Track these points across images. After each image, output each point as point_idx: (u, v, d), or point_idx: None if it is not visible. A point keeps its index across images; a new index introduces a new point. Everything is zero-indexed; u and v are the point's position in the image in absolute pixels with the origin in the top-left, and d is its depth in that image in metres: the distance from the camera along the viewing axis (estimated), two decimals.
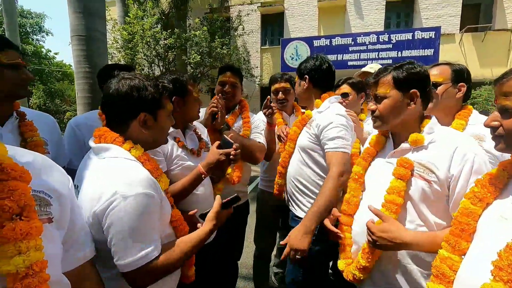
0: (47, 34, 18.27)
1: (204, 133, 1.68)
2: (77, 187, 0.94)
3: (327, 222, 1.28)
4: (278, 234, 2.44)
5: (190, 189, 1.34)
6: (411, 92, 1.08)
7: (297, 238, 1.28)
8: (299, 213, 1.62)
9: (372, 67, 2.39)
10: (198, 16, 10.41)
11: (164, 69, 9.53)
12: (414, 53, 8.93)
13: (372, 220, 1.06)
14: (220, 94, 1.84)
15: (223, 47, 9.67)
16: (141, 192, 0.85)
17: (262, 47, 11.96)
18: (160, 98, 1.00)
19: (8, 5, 9.72)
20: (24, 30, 16.37)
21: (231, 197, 1.13)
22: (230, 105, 2.04)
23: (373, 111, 1.16)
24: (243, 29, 10.78)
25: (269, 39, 12.36)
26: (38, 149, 1.21)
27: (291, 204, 1.70)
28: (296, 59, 9.94)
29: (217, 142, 1.37)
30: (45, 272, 0.55)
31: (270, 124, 1.92)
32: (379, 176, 1.17)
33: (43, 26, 17.85)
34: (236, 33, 10.88)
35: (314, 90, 1.66)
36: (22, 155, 0.61)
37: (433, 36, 8.85)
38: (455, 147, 0.99)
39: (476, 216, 0.84)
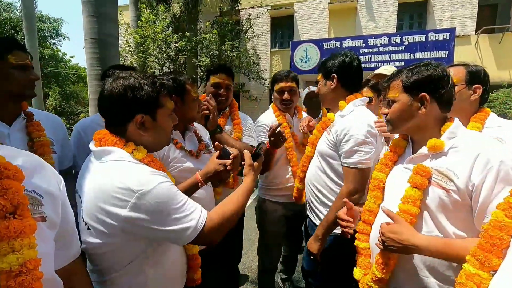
0: (63, 38, 18.88)
1: (205, 135, 1.65)
2: (77, 192, 0.93)
3: (340, 213, 1.26)
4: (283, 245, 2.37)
5: (187, 195, 1.32)
6: (420, 96, 1.03)
7: (310, 243, 1.50)
8: (316, 221, 1.59)
9: (387, 69, 2.30)
10: (209, 19, 10.54)
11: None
12: (428, 55, 8.71)
13: (389, 222, 1.01)
14: (210, 95, 1.76)
15: (233, 50, 9.74)
16: (160, 181, 0.85)
17: (271, 50, 11.97)
18: (158, 96, 0.94)
19: (28, 10, 10.12)
20: (42, 34, 16.98)
21: (256, 147, 1.22)
22: (223, 107, 1.99)
23: (385, 115, 1.13)
24: (253, 32, 10.83)
25: (279, 41, 12.36)
26: (44, 148, 1.24)
27: (310, 210, 1.67)
28: (305, 62, 9.89)
29: (217, 152, 1.31)
30: (38, 270, 0.55)
31: (275, 149, 1.76)
32: (396, 184, 1.12)
33: (60, 31, 18.46)
34: (246, 36, 10.95)
35: (341, 91, 1.53)
36: (14, 155, 0.60)
37: (448, 38, 8.62)
38: (477, 153, 0.91)
39: (511, 230, 0.75)
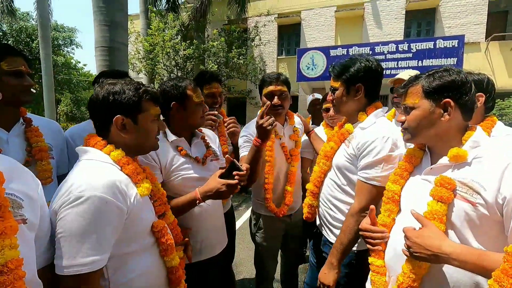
0: (76, 47, 19.49)
1: (214, 141, 1.62)
2: None
3: (365, 225, 1.14)
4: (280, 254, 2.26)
5: (185, 210, 1.28)
6: (444, 102, 0.96)
7: (323, 273, 1.35)
8: (331, 238, 1.48)
9: (411, 74, 2.18)
10: (216, 27, 10.72)
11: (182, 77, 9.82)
12: (436, 62, 8.61)
13: (414, 227, 0.93)
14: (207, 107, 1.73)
15: (240, 57, 9.85)
16: (96, 194, 0.81)
17: (278, 57, 12.06)
18: (139, 101, 0.98)
19: (43, 20, 10.51)
20: (56, 42, 17.55)
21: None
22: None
23: (402, 123, 1.06)
24: (260, 40, 10.95)
25: (286, 49, 12.45)
26: (42, 154, 1.25)
27: (324, 227, 1.56)
28: (312, 69, 9.91)
29: (220, 170, 1.27)
30: (20, 269, 0.56)
31: (264, 140, 1.46)
32: (415, 197, 1.03)
33: (74, 40, 19.05)
34: (253, 44, 11.07)
35: (363, 100, 1.39)
36: None
37: (456, 45, 8.52)
38: (507, 163, 0.82)
39: None
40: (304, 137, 2.13)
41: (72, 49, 19.45)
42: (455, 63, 8.48)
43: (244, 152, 1.72)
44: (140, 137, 1.01)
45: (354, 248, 1.36)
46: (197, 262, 1.34)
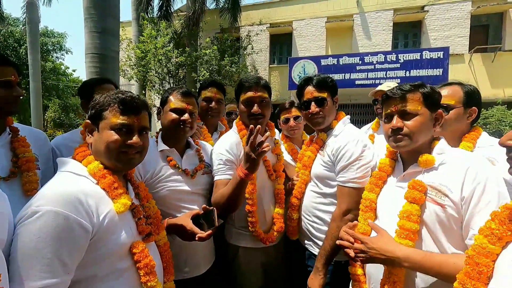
0: (66, 53, 19.20)
1: (209, 152, 1.54)
2: None
3: (344, 233, 1.13)
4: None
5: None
6: (438, 113, 1.06)
7: (310, 278, 1.36)
8: (316, 251, 1.46)
9: (390, 86, 2.22)
10: (209, 35, 10.79)
11: (174, 86, 9.79)
12: (423, 72, 8.89)
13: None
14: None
15: (232, 65, 9.90)
16: (52, 209, 0.73)
17: (270, 66, 12.19)
18: (102, 109, 0.94)
19: (33, 25, 10.36)
20: (46, 48, 17.28)
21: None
22: (215, 123, 1.96)
23: (398, 129, 1.05)
24: (252, 48, 11.07)
25: (278, 57, 12.61)
26: (29, 164, 1.21)
27: (308, 241, 1.54)
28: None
29: (196, 211, 1.19)
30: None
31: (252, 171, 1.26)
32: (391, 202, 1.10)
33: (64, 45, 18.80)
34: (245, 52, 11.17)
35: (335, 110, 1.55)
36: None
37: (442, 56, 8.84)
38: (467, 167, 0.93)
39: (494, 256, 0.74)
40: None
41: (62, 54, 19.19)
42: (441, 73, 8.78)
43: (220, 176, 1.41)
44: (98, 143, 0.95)
45: (339, 259, 1.36)
46: (181, 280, 1.27)
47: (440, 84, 1.46)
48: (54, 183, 0.83)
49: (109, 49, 4.00)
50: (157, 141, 1.38)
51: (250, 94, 1.49)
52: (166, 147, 1.35)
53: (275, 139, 1.71)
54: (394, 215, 1.03)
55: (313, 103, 1.46)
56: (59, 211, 0.73)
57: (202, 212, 1.17)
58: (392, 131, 1.07)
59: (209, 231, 1.11)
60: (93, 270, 0.82)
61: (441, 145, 1.06)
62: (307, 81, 1.52)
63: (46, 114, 18.93)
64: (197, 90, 1.96)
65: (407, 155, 1.12)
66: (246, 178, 1.25)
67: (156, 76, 9.86)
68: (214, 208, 1.17)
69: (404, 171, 1.11)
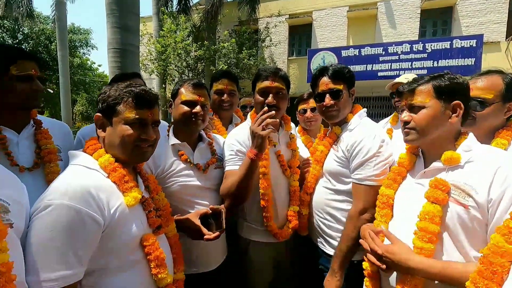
0: (92, 48, 20.03)
1: (222, 145, 1.50)
2: None
3: (363, 232, 1.14)
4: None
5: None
6: (454, 104, 0.98)
7: (327, 280, 1.31)
8: (328, 250, 1.41)
9: (408, 78, 2.14)
10: (227, 28, 10.77)
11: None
12: (452, 62, 8.33)
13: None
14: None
15: (250, 58, 9.85)
16: (64, 203, 0.75)
17: (289, 58, 11.98)
18: (115, 103, 0.94)
19: (61, 22, 10.88)
20: (73, 44, 18.11)
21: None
22: (228, 115, 1.90)
23: (405, 123, 1.04)
24: (271, 40, 10.92)
25: (296, 49, 12.36)
26: (51, 156, 1.26)
27: (319, 239, 1.48)
28: None
29: (204, 210, 1.19)
30: (11, 273, 0.56)
31: (261, 150, 1.24)
32: (409, 200, 1.04)
33: (90, 41, 19.62)
34: (263, 45, 11.05)
35: (352, 102, 1.47)
36: None
37: (474, 45, 8.21)
38: (497, 167, 0.85)
39: (511, 257, 0.71)
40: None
41: (88, 50, 20.05)
42: (473, 63, 8.18)
43: (231, 166, 1.39)
44: (112, 138, 0.95)
45: (355, 258, 1.31)
46: (190, 274, 1.25)
47: (476, 73, 1.29)
48: (66, 177, 0.85)
49: (129, 44, 4.11)
50: (168, 135, 1.37)
51: (266, 83, 1.43)
52: (177, 141, 1.34)
53: (290, 133, 1.64)
54: (412, 214, 0.98)
55: (327, 95, 1.38)
56: (71, 205, 0.75)
57: (211, 212, 1.17)
58: (403, 125, 1.07)
59: (217, 233, 1.12)
60: (104, 262, 0.84)
61: (469, 141, 0.98)
62: (322, 71, 1.43)
63: (74, 108, 20.06)
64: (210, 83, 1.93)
65: (428, 150, 1.06)
66: (256, 158, 1.24)
67: (175, 70, 10.04)
68: (223, 210, 1.16)
69: (425, 168, 1.04)
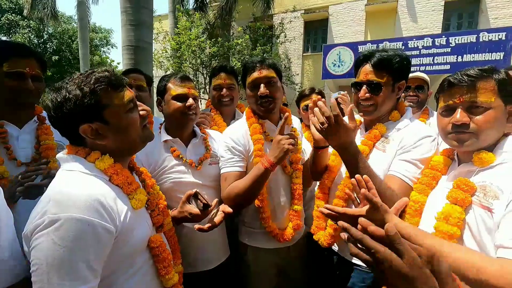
0: (112, 47, 20.68)
1: (218, 141, 1.45)
2: None
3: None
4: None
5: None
6: None
7: None
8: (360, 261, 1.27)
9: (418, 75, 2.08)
10: (242, 25, 10.72)
11: (207, 77, 9.99)
12: (478, 57, 7.82)
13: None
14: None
15: (264, 55, 9.77)
16: (74, 216, 0.68)
17: (304, 54, 11.78)
18: (94, 96, 0.77)
19: (82, 22, 11.28)
20: (94, 43, 18.77)
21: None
22: (229, 111, 1.84)
23: (462, 125, 0.88)
24: (285, 36, 10.77)
25: (312, 45, 12.11)
26: (48, 152, 1.27)
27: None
28: (338, 66, 9.53)
29: (188, 192, 1.13)
30: None
31: (278, 164, 1.22)
32: (434, 204, 0.96)
33: (110, 40, 20.25)
34: (278, 41, 10.92)
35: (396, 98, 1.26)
36: None
37: (504, 38, 7.67)
38: None
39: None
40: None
41: (108, 49, 20.70)
42: (501, 58, 7.65)
43: (228, 168, 1.31)
44: (121, 136, 0.84)
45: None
46: (188, 273, 1.20)
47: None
48: (65, 186, 0.75)
49: (142, 40, 4.16)
50: (160, 132, 1.35)
51: (254, 75, 1.34)
52: (169, 137, 1.31)
53: (292, 127, 1.52)
54: (435, 214, 0.90)
55: (364, 87, 1.19)
56: (80, 217, 0.69)
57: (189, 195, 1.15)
58: (455, 127, 0.89)
59: (208, 224, 1.10)
60: (114, 268, 0.80)
61: (510, 142, 0.87)
62: (366, 57, 1.23)
63: None
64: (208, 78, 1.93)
65: (467, 153, 0.94)
66: (272, 168, 1.19)
67: (190, 67, 10.14)
68: (196, 191, 1.12)
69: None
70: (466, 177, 0.89)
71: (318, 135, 1.19)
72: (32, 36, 16.28)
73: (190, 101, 1.28)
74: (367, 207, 0.92)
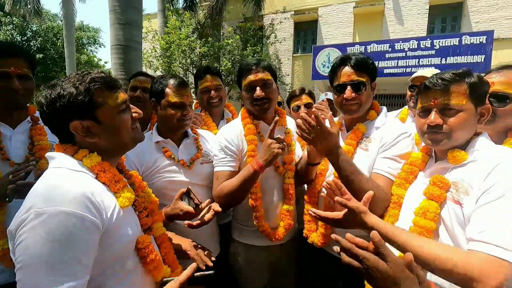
0: (100, 46, 20.25)
1: (210, 142, 1.49)
2: None
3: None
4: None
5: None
6: (485, 107, 0.92)
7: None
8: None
9: (433, 72, 2.02)
10: (232, 25, 10.72)
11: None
12: (461, 59, 8.11)
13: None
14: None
15: (255, 55, 9.80)
16: (62, 210, 0.66)
17: (294, 55, 11.89)
18: (89, 96, 0.78)
19: (68, 20, 11.00)
20: (81, 41, 18.32)
21: (206, 273, 0.95)
22: (218, 111, 1.87)
23: (436, 126, 0.93)
24: (276, 37, 10.84)
25: (302, 46, 12.24)
26: (42, 152, 1.25)
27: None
28: (328, 66, 9.67)
29: (182, 190, 1.15)
30: None
31: (267, 166, 1.24)
32: (412, 199, 1.02)
33: (98, 39, 19.81)
34: (268, 41, 10.98)
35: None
36: None
37: (484, 41, 7.98)
38: (497, 163, 0.82)
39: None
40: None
41: (96, 48, 20.25)
42: (482, 60, 7.97)
43: (221, 167, 1.35)
44: (111, 135, 0.84)
45: None
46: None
47: (496, 68, 1.22)
48: (52, 181, 0.73)
49: (132, 40, 4.11)
50: (152, 133, 1.37)
51: (250, 78, 1.37)
52: (161, 138, 1.33)
53: (286, 128, 1.55)
54: (412, 211, 0.97)
55: (349, 87, 1.26)
56: (70, 211, 0.67)
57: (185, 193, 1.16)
58: (429, 128, 0.95)
59: (198, 222, 1.11)
60: (104, 268, 0.77)
61: (481, 141, 0.93)
62: (344, 60, 1.29)
63: None
64: (194, 81, 1.93)
65: (443, 151, 1.01)
66: (261, 170, 1.22)
67: (180, 67, 10.06)
68: (188, 188, 1.14)
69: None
70: (442, 173, 0.95)
71: (313, 153, 1.31)
72: (15, 34, 15.75)
73: (187, 110, 1.32)
74: (345, 210, 1.00)
